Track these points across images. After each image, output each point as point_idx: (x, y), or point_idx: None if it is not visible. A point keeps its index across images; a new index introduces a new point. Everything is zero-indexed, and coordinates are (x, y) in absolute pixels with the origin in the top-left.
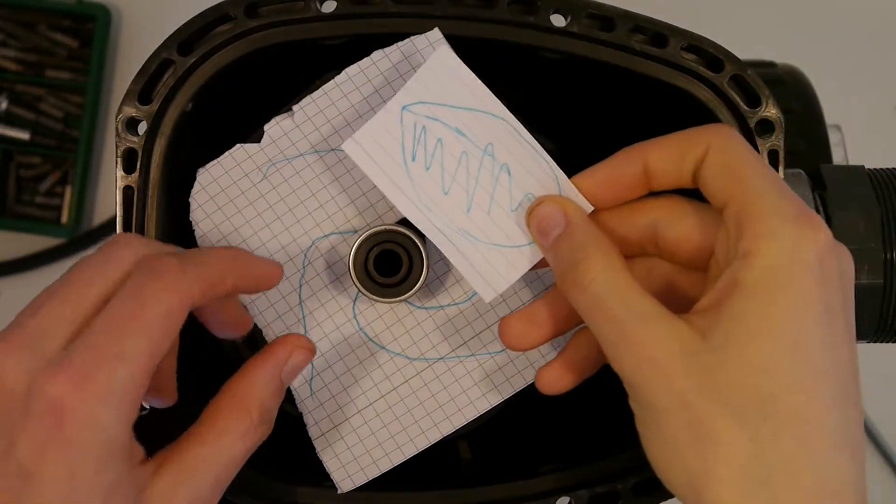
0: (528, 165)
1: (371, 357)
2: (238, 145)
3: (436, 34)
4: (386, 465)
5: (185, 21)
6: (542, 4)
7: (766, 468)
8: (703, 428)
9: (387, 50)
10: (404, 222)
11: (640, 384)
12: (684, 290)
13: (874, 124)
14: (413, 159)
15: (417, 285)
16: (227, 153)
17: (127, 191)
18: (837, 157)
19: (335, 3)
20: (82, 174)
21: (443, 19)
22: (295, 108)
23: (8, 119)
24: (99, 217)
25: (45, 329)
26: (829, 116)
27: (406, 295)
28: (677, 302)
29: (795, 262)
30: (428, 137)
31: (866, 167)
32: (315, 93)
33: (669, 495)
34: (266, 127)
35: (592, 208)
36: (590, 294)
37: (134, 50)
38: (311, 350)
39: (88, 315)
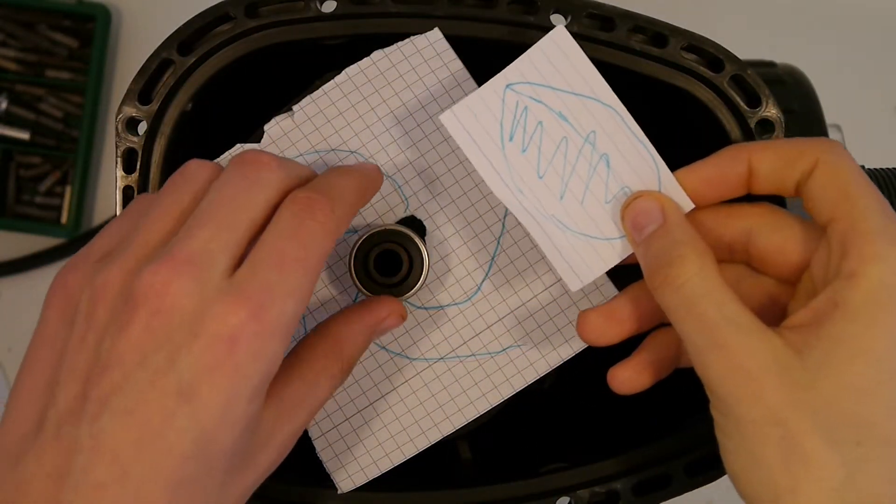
0: (630, 158)
1: (371, 357)
2: (238, 145)
3: (436, 34)
4: (386, 465)
5: (185, 21)
6: (542, 4)
7: (857, 494)
8: (795, 445)
9: (387, 50)
10: (405, 222)
11: (728, 393)
12: (771, 300)
13: (875, 125)
14: (510, 139)
15: (418, 285)
16: (226, 153)
17: (127, 191)
18: None
19: (335, 3)
20: (82, 174)
21: (443, 19)
22: (295, 108)
23: (8, 119)
24: (99, 217)
25: (208, 252)
26: (830, 116)
27: (406, 295)
28: (763, 312)
29: None
30: (529, 119)
31: (867, 167)
32: (315, 93)
33: (668, 496)
34: (266, 127)
35: (693, 206)
36: (682, 294)
37: (134, 50)
38: (404, 318)
39: (242, 242)
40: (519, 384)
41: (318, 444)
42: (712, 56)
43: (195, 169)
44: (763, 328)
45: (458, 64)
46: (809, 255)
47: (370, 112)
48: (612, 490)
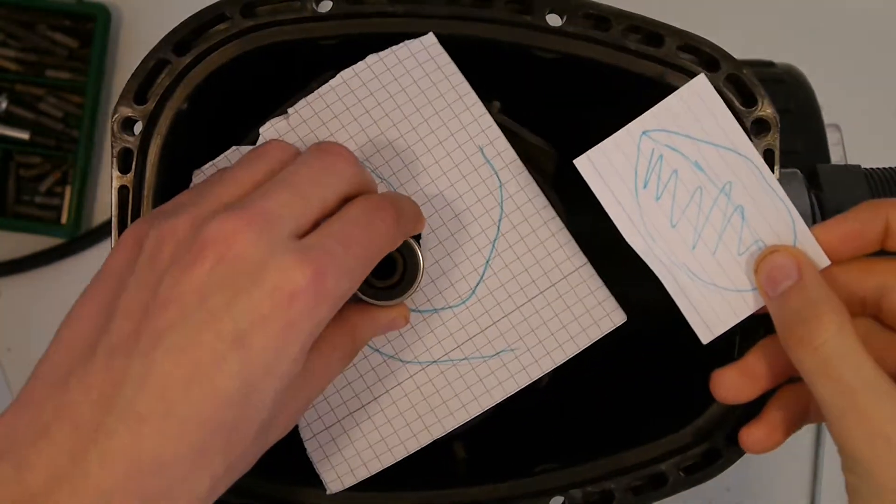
0: (765, 211)
1: (364, 359)
2: (233, 147)
3: (430, 38)
4: (376, 467)
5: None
6: (538, 4)
7: None
8: None
9: (381, 53)
10: None
11: (867, 459)
12: None
13: (875, 125)
14: (644, 186)
15: (413, 288)
16: (222, 155)
17: (122, 191)
18: (836, 157)
19: (331, 3)
20: (82, 174)
21: (439, 19)
22: (290, 110)
23: (8, 119)
24: (99, 217)
25: (279, 214)
26: (831, 117)
27: (401, 298)
28: (892, 371)
29: None
30: (664, 167)
31: (864, 167)
32: (310, 95)
33: (661, 496)
34: (261, 129)
35: (829, 263)
36: (819, 356)
37: (134, 50)
38: (408, 321)
39: (312, 217)
40: (511, 388)
41: (310, 446)
42: (708, 55)
43: (274, 147)
44: None
45: (452, 67)
46: None
47: (365, 115)
48: (605, 490)
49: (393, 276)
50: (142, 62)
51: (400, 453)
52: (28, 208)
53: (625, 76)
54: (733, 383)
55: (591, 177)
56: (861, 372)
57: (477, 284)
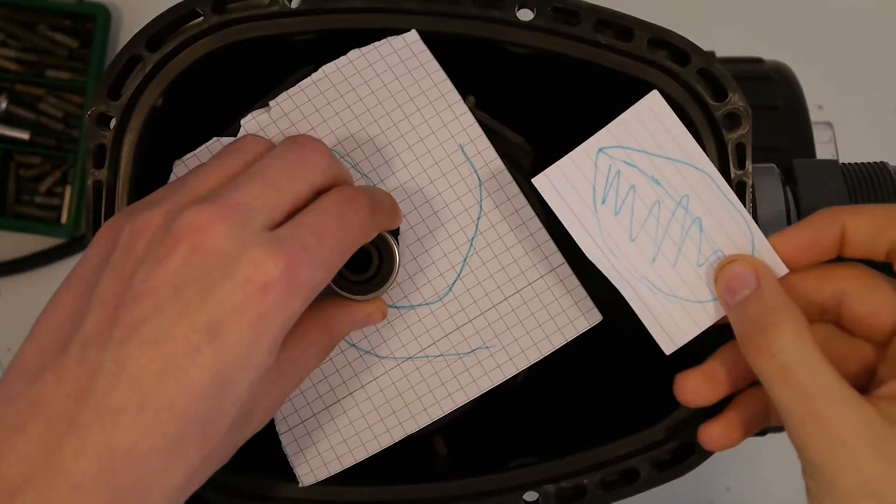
0: (723, 222)
1: (341, 354)
2: (214, 138)
3: (413, 35)
4: (349, 461)
5: None
6: None
7: None
8: None
9: (363, 49)
10: None
11: (824, 464)
12: (860, 362)
13: (875, 125)
14: (603, 202)
15: (388, 283)
16: (203, 146)
17: (97, 185)
18: (828, 154)
19: None
20: (82, 174)
21: (412, 14)
22: (271, 103)
23: (8, 119)
24: None
25: (252, 206)
26: (830, 116)
27: (377, 292)
28: (852, 374)
29: None
30: (621, 182)
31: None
32: (291, 89)
33: (633, 491)
34: (242, 121)
35: (787, 271)
36: (777, 362)
37: None
38: (385, 316)
39: (285, 208)
40: (486, 385)
41: (285, 439)
42: (678, 49)
43: (249, 142)
44: (857, 397)
45: (434, 65)
46: None
47: (346, 110)
48: (578, 485)
49: (368, 270)
50: (115, 58)
51: (373, 448)
52: (28, 208)
53: (596, 71)
54: (696, 387)
55: (549, 194)
56: (818, 378)
57: (454, 282)
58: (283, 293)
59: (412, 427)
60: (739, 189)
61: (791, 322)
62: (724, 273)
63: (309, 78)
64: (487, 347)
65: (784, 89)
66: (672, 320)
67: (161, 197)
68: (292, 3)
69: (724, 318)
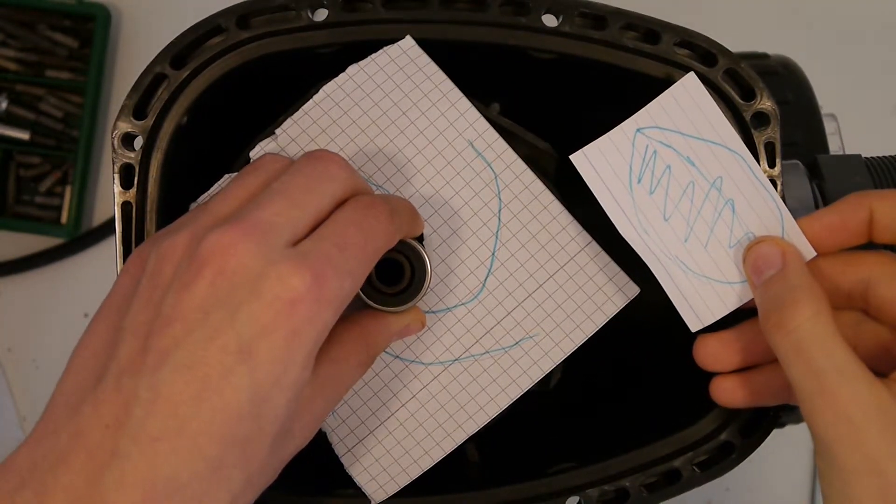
0: (755, 204)
1: (386, 368)
2: (226, 175)
3: (408, 41)
4: (416, 472)
5: (185, 23)
6: (534, 5)
7: None
8: (894, 497)
9: (361, 63)
10: None
11: (831, 441)
12: (885, 348)
13: (874, 125)
14: (639, 181)
15: (422, 292)
16: (216, 184)
17: (125, 207)
18: (834, 147)
19: (326, 12)
20: (82, 174)
21: (435, 24)
22: (277, 130)
23: (8, 119)
24: (99, 217)
25: (274, 223)
26: (826, 108)
27: (412, 302)
28: (882, 361)
29: None
30: (657, 162)
31: (864, 156)
32: (296, 113)
33: (676, 492)
34: (251, 153)
35: (815, 254)
36: (792, 339)
37: (134, 49)
38: (424, 325)
39: (307, 223)
40: (537, 374)
41: (346, 461)
42: (705, 50)
43: (267, 161)
44: (870, 377)
45: (433, 68)
46: None
47: (352, 125)
48: (621, 488)
49: (402, 281)
50: (139, 77)
51: (438, 454)
52: (28, 208)
53: (623, 74)
54: (715, 350)
55: (586, 172)
56: (832, 356)
57: (486, 277)
58: (312, 307)
59: (472, 428)
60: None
61: (811, 301)
62: (752, 253)
63: (311, 100)
64: (531, 337)
65: (792, 84)
66: (700, 300)
67: (185, 222)
68: (316, 16)
69: (752, 301)
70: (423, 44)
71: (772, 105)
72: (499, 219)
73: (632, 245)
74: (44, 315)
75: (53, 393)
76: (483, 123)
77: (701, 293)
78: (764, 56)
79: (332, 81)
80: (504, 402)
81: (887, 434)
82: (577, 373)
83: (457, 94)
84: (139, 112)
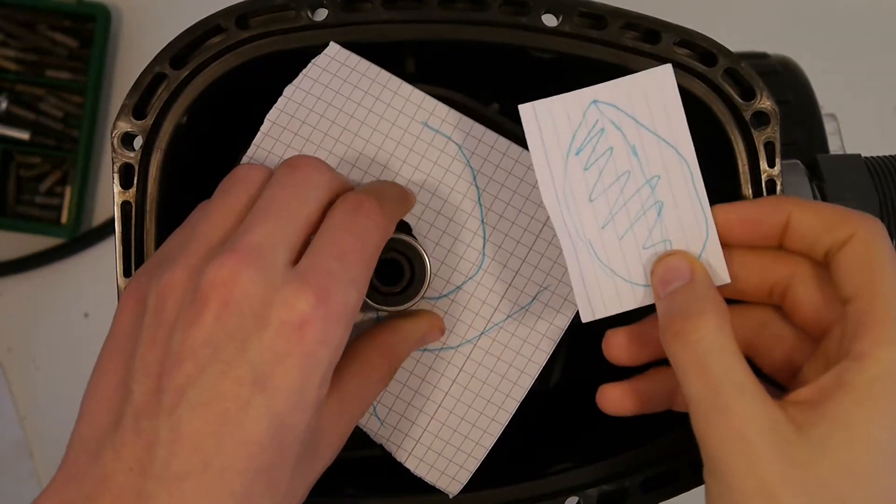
0: (683, 215)
1: (417, 363)
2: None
3: (333, 47)
4: (481, 453)
5: (185, 23)
6: (534, 4)
7: None
8: None
9: (295, 82)
10: (401, 229)
11: (723, 459)
12: (788, 358)
13: (874, 125)
14: (577, 153)
15: (426, 282)
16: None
17: (125, 206)
18: (834, 146)
19: (326, 12)
20: (82, 174)
21: (434, 24)
22: (243, 159)
23: (8, 119)
24: (99, 217)
25: (269, 245)
26: (826, 107)
27: (419, 295)
28: (781, 370)
29: None
30: (602, 141)
31: (864, 156)
32: (249, 150)
33: (675, 492)
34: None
35: (729, 281)
36: (694, 350)
37: (134, 50)
38: (443, 332)
39: (301, 236)
40: (564, 322)
41: (411, 464)
42: (705, 50)
43: (246, 172)
44: (768, 399)
45: (365, 64)
46: (834, 320)
47: (307, 143)
48: (620, 488)
49: (402, 280)
50: (139, 77)
51: (496, 429)
52: (28, 208)
53: (623, 74)
54: (622, 344)
55: (529, 127)
56: (732, 373)
57: (483, 245)
58: (321, 327)
59: (520, 394)
60: (770, 187)
61: (716, 314)
62: (662, 264)
63: (259, 133)
64: (546, 288)
65: (792, 83)
66: (599, 291)
67: (176, 250)
68: (315, 16)
69: (649, 305)
70: (423, 44)
71: (772, 105)
72: (476, 186)
73: (548, 212)
74: (44, 315)
75: (70, 439)
76: (431, 101)
77: (601, 285)
78: (764, 56)
79: (273, 108)
80: (542, 359)
81: (781, 457)
82: (578, 373)
83: (396, 81)
84: (139, 112)
